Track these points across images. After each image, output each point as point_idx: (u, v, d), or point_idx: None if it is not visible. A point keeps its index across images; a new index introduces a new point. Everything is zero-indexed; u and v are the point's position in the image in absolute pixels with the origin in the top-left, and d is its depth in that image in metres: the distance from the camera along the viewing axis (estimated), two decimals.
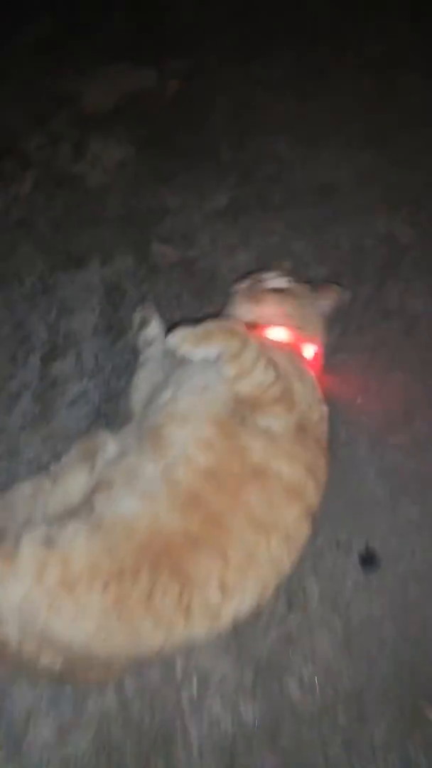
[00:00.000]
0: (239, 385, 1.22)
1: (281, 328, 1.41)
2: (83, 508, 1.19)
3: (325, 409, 1.30)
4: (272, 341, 1.38)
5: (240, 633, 1.28)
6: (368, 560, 1.37)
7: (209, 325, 1.25)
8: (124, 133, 2.18)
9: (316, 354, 1.41)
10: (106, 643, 1.09)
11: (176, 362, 1.36)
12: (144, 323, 1.65)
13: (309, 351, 1.41)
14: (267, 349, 1.27)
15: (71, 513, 1.20)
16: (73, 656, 1.12)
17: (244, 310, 1.45)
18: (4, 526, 1.24)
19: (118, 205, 2.02)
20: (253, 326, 1.37)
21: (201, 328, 1.24)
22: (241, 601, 1.11)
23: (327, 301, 1.52)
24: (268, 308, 1.44)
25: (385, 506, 1.44)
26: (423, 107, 2.11)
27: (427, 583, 1.37)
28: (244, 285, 1.51)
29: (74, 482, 1.31)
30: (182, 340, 1.25)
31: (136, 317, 1.68)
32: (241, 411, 1.22)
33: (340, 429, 1.47)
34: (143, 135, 2.17)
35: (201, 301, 1.77)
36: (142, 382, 1.52)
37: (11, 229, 1.99)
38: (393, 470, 1.48)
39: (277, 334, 1.40)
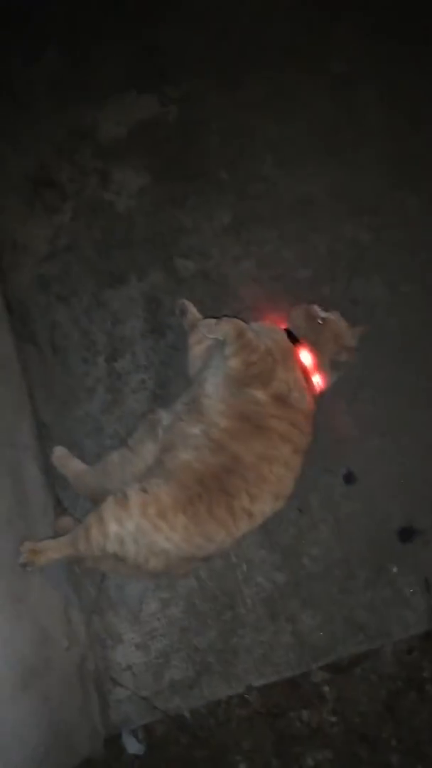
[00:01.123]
0: (231, 362, 1.63)
1: (308, 351, 1.76)
2: (158, 466, 1.69)
3: (306, 393, 1.72)
4: (283, 344, 1.74)
5: (269, 531, 1.91)
6: (349, 478, 2.01)
7: (220, 320, 1.69)
8: (140, 161, 2.51)
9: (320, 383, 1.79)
10: (189, 545, 1.57)
11: (213, 345, 1.76)
12: (183, 311, 2.06)
13: (317, 378, 1.78)
14: (269, 344, 1.69)
15: (151, 470, 1.70)
16: (169, 559, 1.59)
17: (294, 320, 1.84)
18: (107, 487, 1.73)
19: (143, 227, 2.39)
20: (292, 336, 1.77)
21: (214, 321, 1.70)
22: (263, 505, 1.62)
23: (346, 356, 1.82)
24: (310, 332, 1.79)
25: (356, 441, 2.04)
26: (380, 123, 2.45)
27: (388, 491, 2.00)
28: (305, 307, 1.85)
29: (146, 449, 1.74)
30: (202, 327, 1.73)
31: (177, 308, 2.09)
32: (234, 386, 1.65)
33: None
34: (155, 162, 2.51)
35: (218, 304, 2.21)
36: (194, 359, 1.90)
37: (62, 254, 2.33)
38: (361, 415, 2.07)
39: (305, 354, 1.76)
